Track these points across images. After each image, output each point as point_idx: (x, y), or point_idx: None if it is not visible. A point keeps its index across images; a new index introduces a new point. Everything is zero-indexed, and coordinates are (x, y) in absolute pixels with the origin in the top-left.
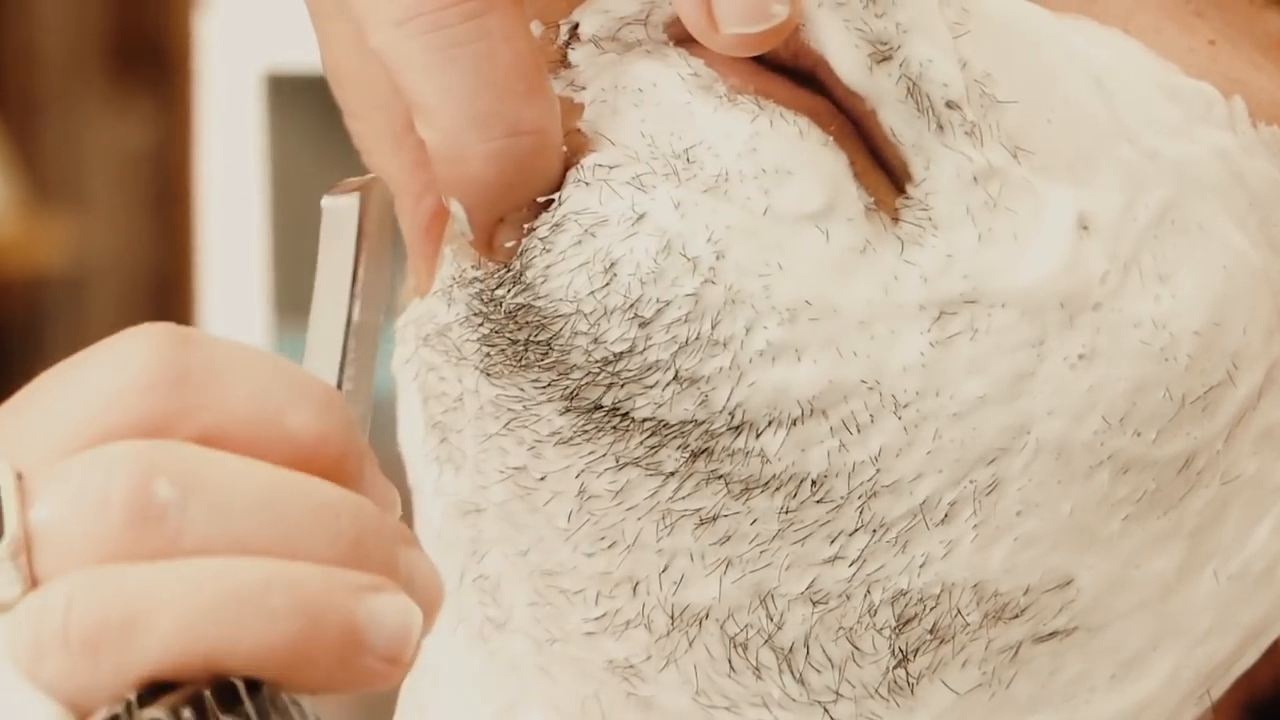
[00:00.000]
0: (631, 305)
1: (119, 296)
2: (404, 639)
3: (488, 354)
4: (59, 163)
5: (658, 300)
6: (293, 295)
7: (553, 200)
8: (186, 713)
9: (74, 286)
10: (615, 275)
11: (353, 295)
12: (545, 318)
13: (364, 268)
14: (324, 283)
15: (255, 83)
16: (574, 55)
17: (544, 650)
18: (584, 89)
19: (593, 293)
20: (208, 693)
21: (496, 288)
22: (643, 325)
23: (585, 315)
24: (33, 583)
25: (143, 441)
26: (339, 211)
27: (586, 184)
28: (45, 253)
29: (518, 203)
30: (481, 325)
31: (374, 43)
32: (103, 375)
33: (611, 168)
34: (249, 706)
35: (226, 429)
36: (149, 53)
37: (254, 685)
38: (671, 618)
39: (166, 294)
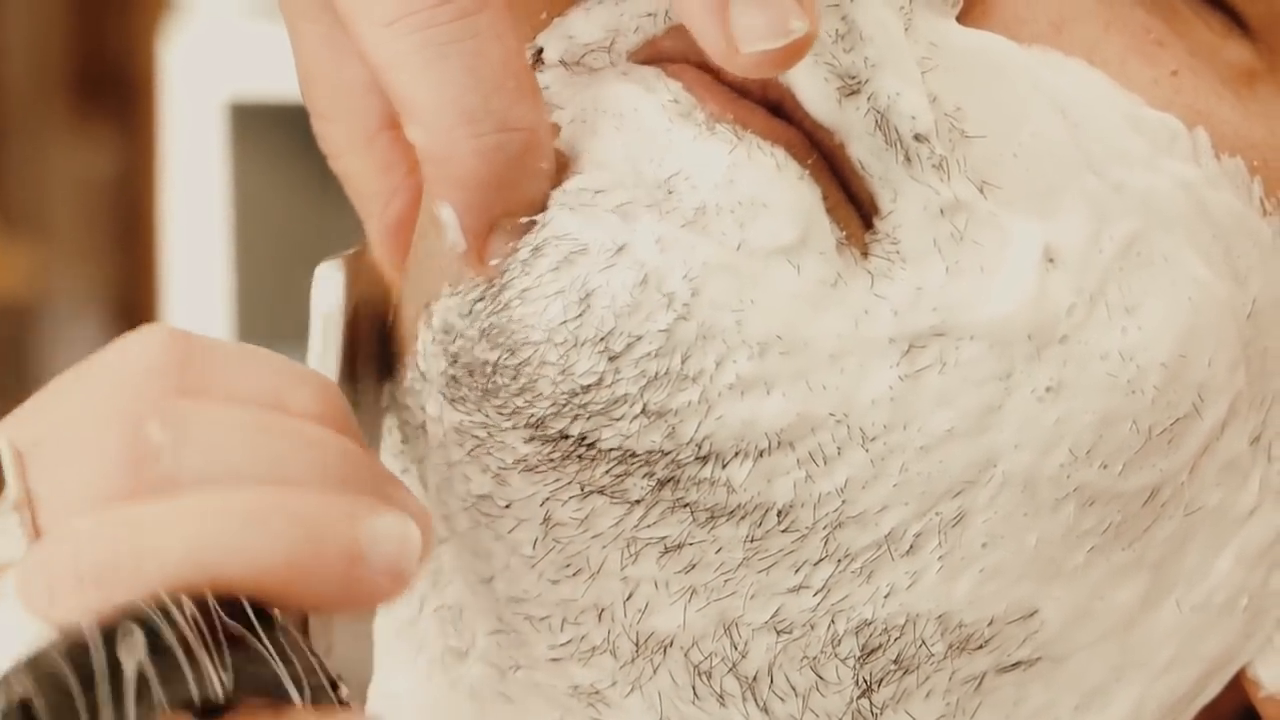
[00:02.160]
0: (603, 339)
1: (81, 324)
2: (403, 554)
3: (453, 377)
4: (21, 190)
5: (629, 335)
6: (256, 323)
7: (536, 221)
8: (185, 599)
9: (36, 314)
10: (589, 306)
11: (343, 353)
12: (516, 342)
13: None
14: (319, 346)
15: (218, 111)
16: (543, 78)
17: (507, 677)
18: (560, 109)
19: (565, 322)
20: (210, 594)
21: (477, 300)
22: (612, 359)
23: (556, 345)
24: (37, 536)
25: (134, 395)
26: (334, 276)
27: (571, 208)
28: (7, 280)
29: (509, 205)
30: (454, 341)
31: (363, 43)
32: (105, 366)
33: (596, 192)
34: (252, 617)
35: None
36: (112, 81)
37: (261, 613)
38: (636, 645)
39: (129, 321)
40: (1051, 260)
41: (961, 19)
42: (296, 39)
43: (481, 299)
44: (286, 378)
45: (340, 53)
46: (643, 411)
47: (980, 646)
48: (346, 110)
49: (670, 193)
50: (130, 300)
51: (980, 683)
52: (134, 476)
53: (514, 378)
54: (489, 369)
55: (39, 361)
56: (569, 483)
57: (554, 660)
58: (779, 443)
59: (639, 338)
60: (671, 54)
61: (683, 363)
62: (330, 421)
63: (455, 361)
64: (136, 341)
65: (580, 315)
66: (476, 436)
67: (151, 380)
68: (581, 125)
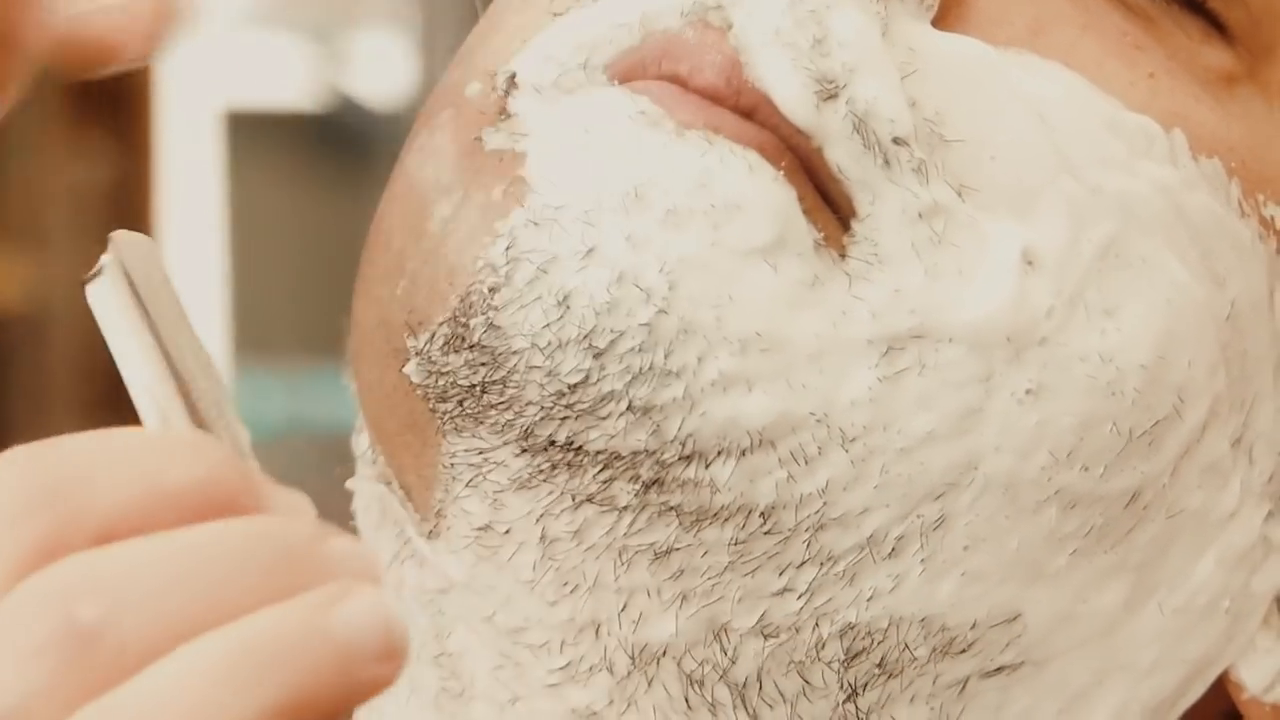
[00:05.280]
0: (586, 336)
1: (78, 334)
2: (387, 631)
3: (446, 413)
4: (17, 200)
5: (612, 330)
6: (252, 331)
7: (509, 244)
8: None
9: (32, 324)
10: (569, 308)
11: (158, 338)
12: (498, 355)
13: (152, 312)
14: (124, 351)
15: (214, 120)
16: (514, 104)
17: (505, 710)
18: (526, 136)
19: (548, 325)
20: None
21: (459, 327)
22: (597, 356)
23: (540, 349)
24: None
25: (41, 573)
26: (104, 285)
27: (536, 224)
28: (3, 290)
29: None
30: (439, 379)
31: None
32: None
33: (559, 207)
34: None
35: (118, 516)
36: (108, 90)
37: None
38: (632, 658)
39: None
40: (1030, 263)
41: (937, 23)
42: None
43: (460, 324)
44: (155, 453)
45: None
46: (629, 408)
47: (963, 650)
48: None
49: (639, 198)
50: None
51: (964, 687)
52: (83, 668)
53: (501, 392)
54: (478, 391)
55: (34, 372)
56: (560, 494)
57: (552, 686)
58: (760, 441)
59: (622, 333)
60: (647, 64)
61: (666, 358)
62: (216, 478)
63: (444, 400)
64: None
65: (561, 317)
66: (473, 464)
67: (33, 523)
68: (546, 149)
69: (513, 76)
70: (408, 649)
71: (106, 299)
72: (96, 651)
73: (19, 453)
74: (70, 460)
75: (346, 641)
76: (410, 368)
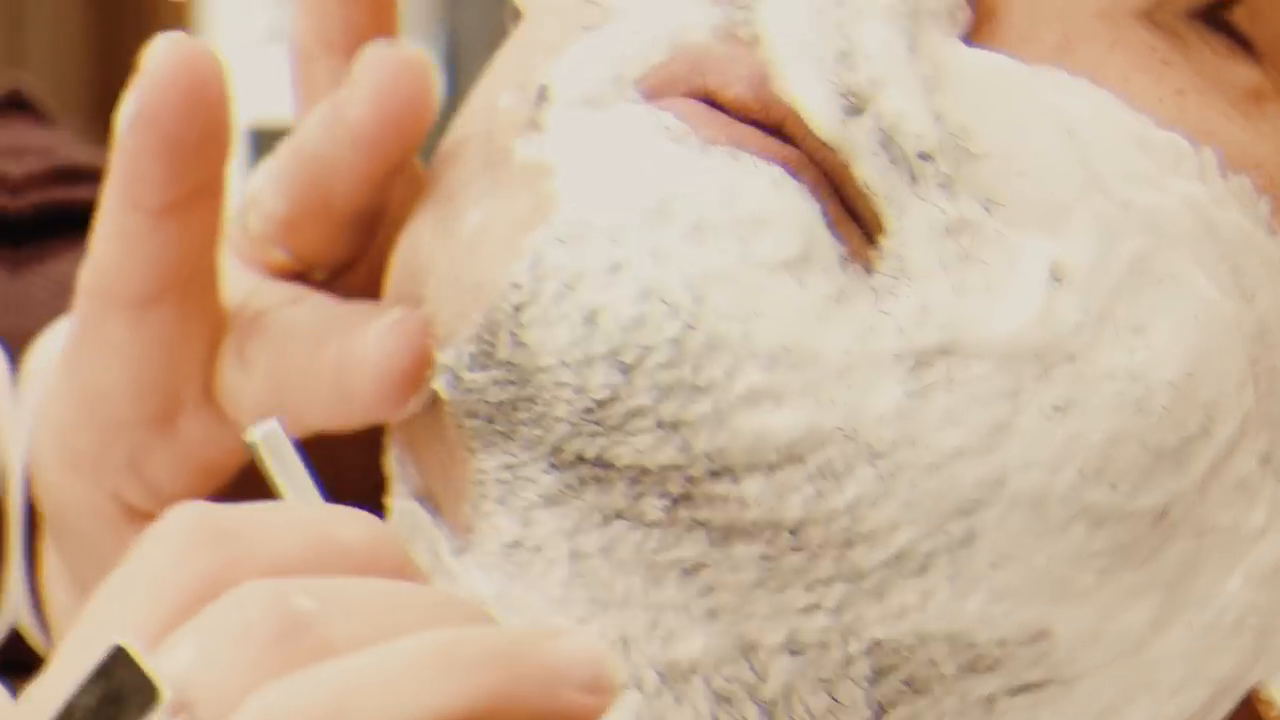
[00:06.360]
0: (614, 352)
1: None
2: (599, 666)
3: (474, 430)
4: None
5: (640, 346)
6: None
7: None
8: None
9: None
10: (596, 324)
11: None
12: (526, 371)
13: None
14: (304, 489)
15: (238, 136)
16: (544, 117)
17: None
18: (554, 150)
19: (575, 342)
20: None
21: (485, 344)
22: (625, 372)
23: (568, 366)
24: None
25: (266, 579)
26: (278, 434)
27: (561, 240)
28: None
29: None
30: (467, 394)
31: None
32: (154, 551)
33: (584, 223)
34: None
35: (289, 557)
36: None
37: None
38: (661, 676)
39: None
40: (1058, 279)
41: (969, 39)
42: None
43: (486, 341)
44: (328, 512)
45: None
46: (658, 424)
47: (991, 668)
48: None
49: (664, 213)
50: None
51: (991, 704)
52: (289, 649)
53: (530, 408)
54: (506, 408)
55: None
56: (590, 510)
57: None
58: (789, 457)
59: (649, 349)
60: (676, 79)
61: (694, 373)
62: (388, 543)
63: (473, 415)
64: (166, 523)
65: (589, 334)
66: (502, 480)
67: (205, 552)
68: (574, 164)
69: (544, 89)
70: (619, 691)
71: (282, 444)
72: (302, 636)
73: (191, 504)
74: (243, 510)
75: (555, 664)
76: (438, 383)
